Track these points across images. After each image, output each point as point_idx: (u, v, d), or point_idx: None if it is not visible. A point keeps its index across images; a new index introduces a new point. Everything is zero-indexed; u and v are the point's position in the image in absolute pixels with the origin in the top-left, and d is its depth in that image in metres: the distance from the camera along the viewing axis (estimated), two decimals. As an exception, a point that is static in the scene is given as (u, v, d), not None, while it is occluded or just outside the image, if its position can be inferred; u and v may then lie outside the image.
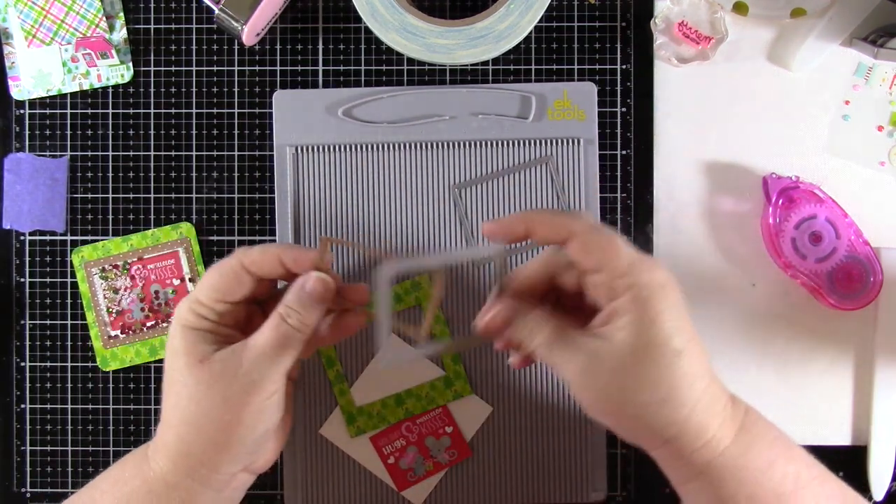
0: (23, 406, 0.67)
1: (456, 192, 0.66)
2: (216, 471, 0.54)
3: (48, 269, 0.67)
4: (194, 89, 0.67)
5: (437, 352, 0.64)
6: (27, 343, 0.67)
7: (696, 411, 0.49)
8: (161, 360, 0.67)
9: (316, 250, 0.55)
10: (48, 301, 0.67)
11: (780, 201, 0.64)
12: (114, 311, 0.66)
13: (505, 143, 0.66)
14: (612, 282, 0.49)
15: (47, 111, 0.67)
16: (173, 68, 0.67)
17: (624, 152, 0.67)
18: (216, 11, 0.63)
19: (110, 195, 0.67)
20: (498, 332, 0.53)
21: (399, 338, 0.66)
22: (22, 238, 0.67)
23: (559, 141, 0.66)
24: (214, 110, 0.67)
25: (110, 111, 0.67)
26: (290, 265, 0.55)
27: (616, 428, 0.52)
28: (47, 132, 0.67)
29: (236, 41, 0.67)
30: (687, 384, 0.49)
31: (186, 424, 0.53)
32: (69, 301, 0.67)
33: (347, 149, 0.66)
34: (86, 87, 0.67)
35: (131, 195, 0.67)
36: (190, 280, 0.66)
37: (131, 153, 0.67)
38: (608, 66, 0.67)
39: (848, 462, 0.66)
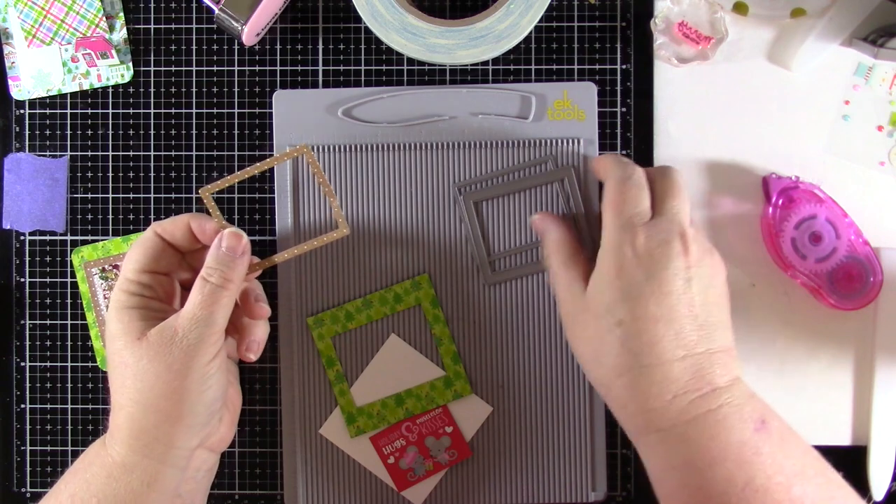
0: (23, 406, 0.67)
1: (456, 190, 0.66)
2: (172, 445, 0.54)
3: (48, 269, 0.67)
4: (194, 89, 0.67)
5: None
6: (27, 343, 0.67)
7: (617, 385, 0.55)
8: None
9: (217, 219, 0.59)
10: (48, 301, 0.67)
11: (780, 201, 0.64)
12: (114, 311, 0.66)
13: (505, 143, 0.66)
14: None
15: (47, 111, 0.67)
16: (173, 68, 0.67)
17: (624, 152, 0.67)
18: (216, 11, 0.63)
19: (110, 195, 0.67)
20: (537, 231, 0.64)
21: None
22: (22, 238, 0.67)
23: (559, 141, 0.66)
24: (214, 110, 0.67)
25: (110, 111, 0.67)
26: (197, 232, 0.58)
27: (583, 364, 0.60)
28: (47, 132, 0.67)
29: (236, 41, 0.67)
30: (614, 352, 0.54)
31: (135, 403, 0.54)
32: (69, 301, 0.67)
33: (347, 149, 0.66)
34: (86, 87, 0.67)
35: (131, 195, 0.67)
36: (190, 280, 0.66)
37: (131, 153, 0.67)
38: (608, 66, 0.67)
39: (848, 462, 0.65)
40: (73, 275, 0.67)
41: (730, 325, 0.56)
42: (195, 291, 0.56)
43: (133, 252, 0.58)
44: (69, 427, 0.67)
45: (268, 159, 0.60)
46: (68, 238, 0.67)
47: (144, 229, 0.67)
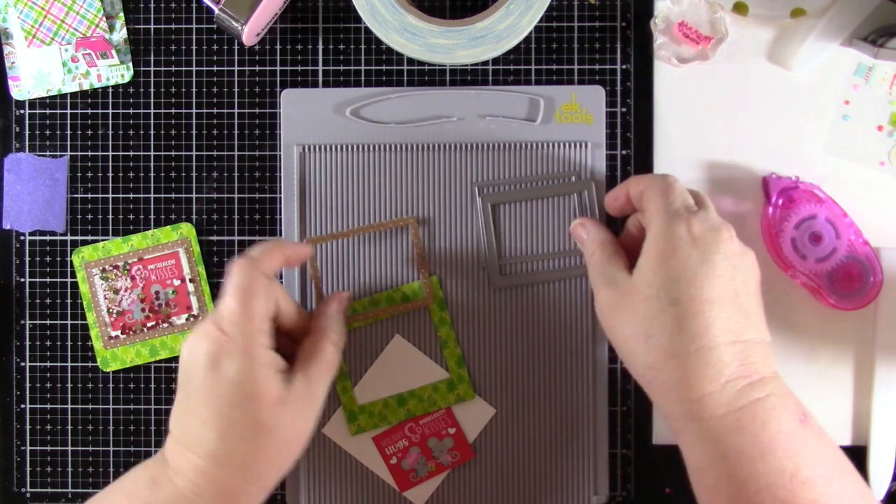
0: (23, 406, 0.67)
1: (475, 189, 0.66)
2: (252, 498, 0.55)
3: (48, 269, 0.67)
4: (194, 89, 0.67)
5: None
6: (27, 343, 0.67)
7: (671, 366, 0.54)
8: (161, 361, 0.67)
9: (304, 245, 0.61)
10: (48, 301, 0.67)
11: (780, 201, 0.64)
12: (114, 311, 0.66)
13: (513, 145, 0.66)
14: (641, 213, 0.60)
15: (47, 111, 0.67)
16: (173, 68, 0.67)
17: (624, 152, 0.67)
18: (216, 11, 0.63)
19: (110, 195, 0.67)
20: (576, 238, 0.64)
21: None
22: (22, 238, 0.67)
23: (567, 144, 0.66)
24: (214, 110, 0.67)
25: (110, 111, 0.67)
26: (292, 263, 0.61)
27: (619, 353, 0.59)
28: (47, 132, 0.67)
29: (236, 41, 0.67)
30: (669, 333, 0.54)
31: (249, 468, 0.54)
32: (69, 301, 0.67)
33: (354, 149, 0.66)
34: (86, 87, 0.67)
35: (131, 195, 0.67)
36: (190, 280, 0.66)
37: (131, 153, 0.67)
38: (608, 66, 0.67)
39: (848, 462, 0.66)
40: (73, 275, 0.67)
41: (765, 322, 0.56)
42: (323, 354, 0.58)
43: (258, 304, 0.55)
44: (69, 427, 0.67)
45: (378, 223, 0.65)
46: (68, 238, 0.67)
47: (144, 229, 0.67)
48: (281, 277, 0.66)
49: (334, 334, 0.59)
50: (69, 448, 0.67)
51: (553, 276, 0.65)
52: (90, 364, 0.67)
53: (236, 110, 0.67)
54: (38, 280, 0.67)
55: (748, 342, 0.53)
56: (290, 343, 0.60)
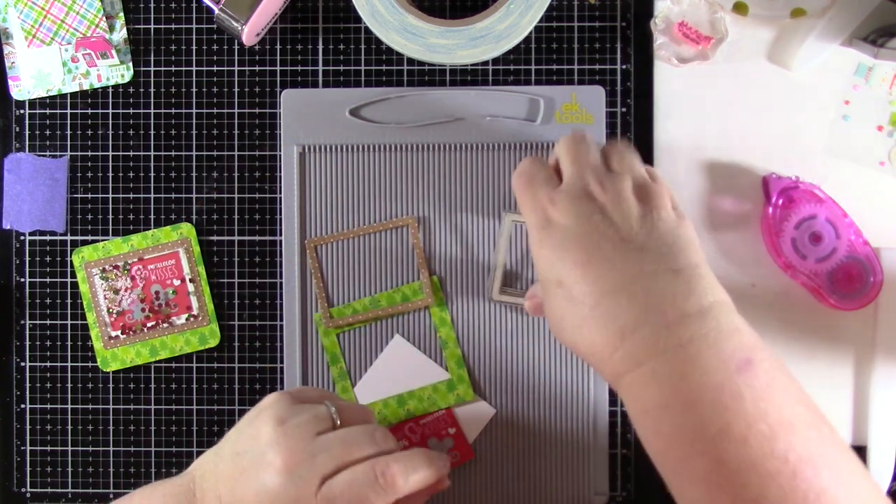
0: (23, 406, 0.67)
1: (502, 205, 0.66)
2: None
3: (48, 269, 0.67)
4: (194, 89, 0.67)
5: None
6: (27, 343, 0.67)
7: (581, 334, 0.50)
8: (161, 361, 0.67)
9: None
10: (48, 301, 0.67)
11: (780, 201, 0.64)
12: (114, 311, 0.66)
13: (513, 145, 0.66)
14: None
15: (47, 111, 0.67)
16: (173, 68, 0.67)
17: (624, 152, 0.67)
18: (216, 11, 0.63)
19: (110, 195, 0.67)
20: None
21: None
22: (22, 238, 0.67)
23: (566, 144, 0.66)
24: (214, 110, 0.67)
25: (110, 111, 0.67)
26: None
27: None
28: (47, 132, 0.67)
29: (236, 41, 0.67)
30: (571, 310, 0.51)
31: None
32: (69, 301, 0.67)
33: (355, 149, 0.66)
34: (86, 87, 0.67)
35: (131, 195, 0.67)
36: (190, 280, 0.66)
37: (131, 153, 0.67)
38: (608, 67, 0.67)
39: (848, 462, 0.66)
40: (73, 275, 0.67)
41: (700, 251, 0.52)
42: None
43: (361, 453, 0.53)
44: (69, 427, 0.67)
45: (378, 223, 0.65)
46: (68, 238, 0.67)
47: (144, 229, 0.67)
48: (281, 276, 0.66)
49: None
50: (69, 448, 0.67)
51: None
52: (90, 364, 0.67)
53: (236, 110, 0.67)
54: (38, 280, 0.67)
55: (661, 273, 0.49)
56: None
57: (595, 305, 0.49)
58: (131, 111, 0.67)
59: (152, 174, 0.67)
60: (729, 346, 0.47)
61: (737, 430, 0.45)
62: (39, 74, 0.67)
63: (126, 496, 0.56)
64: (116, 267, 0.67)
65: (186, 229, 0.67)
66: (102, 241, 0.67)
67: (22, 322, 0.67)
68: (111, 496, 0.67)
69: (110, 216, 0.67)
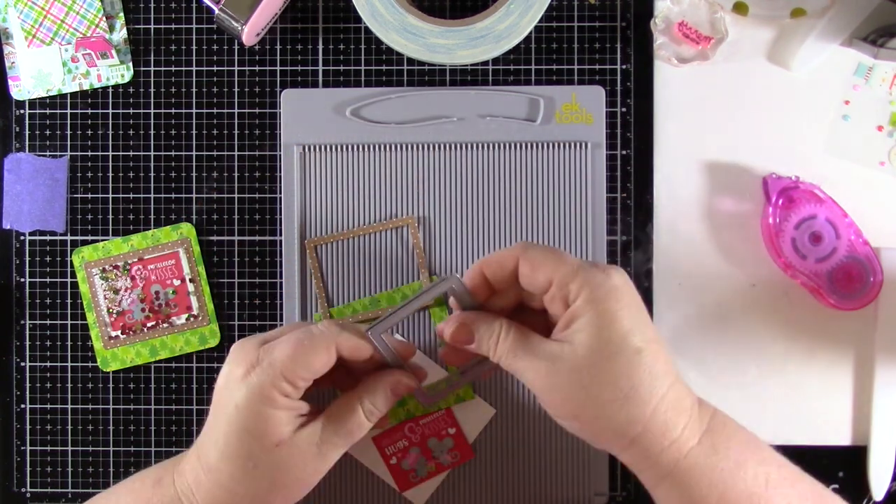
0: (23, 406, 0.67)
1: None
2: None
3: (48, 269, 0.67)
4: (194, 89, 0.67)
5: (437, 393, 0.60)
6: (27, 343, 0.67)
7: (661, 409, 0.50)
8: (161, 361, 0.67)
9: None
10: (48, 301, 0.67)
11: (780, 201, 0.64)
12: (114, 311, 0.66)
13: (512, 145, 0.66)
14: (564, 288, 0.51)
15: (47, 111, 0.67)
16: (173, 68, 0.67)
17: (624, 152, 0.67)
18: (216, 11, 0.63)
19: (110, 195, 0.67)
20: (464, 341, 0.55)
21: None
22: (22, 238, 0.67)
23: (567, 144, 0.66)
24: (214, 110, 0.67)
25: (110, 111, 0.67)
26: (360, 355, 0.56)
27: (582, 431, 0.52)
28: (47, 132, 0.67)
29: (236, 41, 0.67)
30: (648, 381, 0.49)
31: (239, 496, 0.53)
32: (69, 301, 0.67)
33: (354, 149, 0.66)
34: (86, 87, 0.67)
35: (131, 195, 0.67)
36: (190, 280, 0.66)
37: (131, 153, 0.67)
38: (608, 67, 0.67)
39: (848, 462, 0.66)
40: (73, 275, 0.67)
41: None
42: (351, 413, 0.55)
43: (306, 357, 0.53)
44: (69, 427, 0.67)
45: (378, 223, 0.65)
46: (68, 238, 0.67)
47: (144, 229, 0.67)
48: (281, 276, 0.66)
49: (371, 404, 0.56)
50: (69, 448, 0.67)
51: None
52: (90, 364, 0.67)
53: (236, 110, 0.67)
54: (38, 280, 0.67)
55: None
56: (353, 381, 0.58)
57: (676, 383, 0.51)
58: (131, 111, 0.67)
59: (152, 174, 0.67)
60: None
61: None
62: (39, 74, 0.67)
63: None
64: (116, 267, 0.67)
65: (186, 229, 0.67)
66: (102, 241, 0.67)
67: (22, 322, 0.67)
68: (111, 496, 0.67)
69: (110, 216, 0.67)
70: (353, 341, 0.54)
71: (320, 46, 0.67)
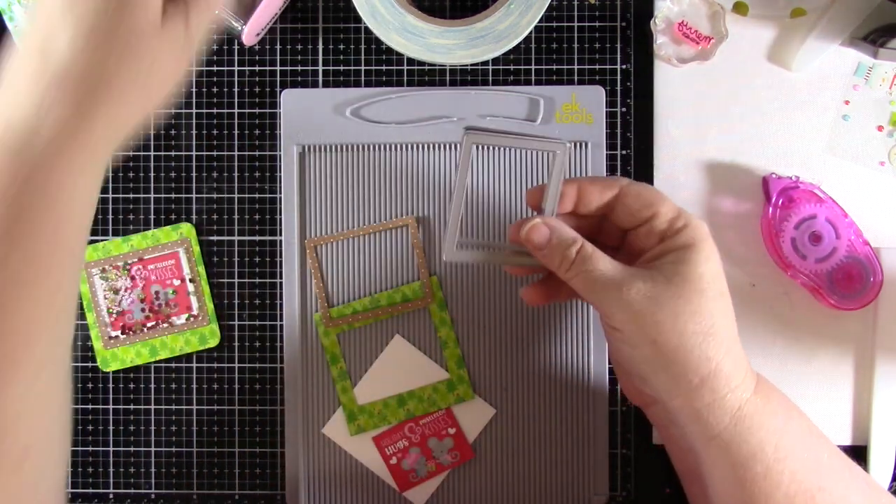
0: (23, 406, 0.67)
1: (463, 129, 0.61)
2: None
3: (48, 270, 0.67)
4: (194, 89, 0.67)
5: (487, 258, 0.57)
6: (27, 343, 0.67)
7: (732, 352, 0.52)
8: (161, 361, 0.67)
9: None
10: (48, 301, 0.67)
11: (780, 201, 0.64)
12: (114, 311, 0.66)
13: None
14: (666, 222, 0.54)
15: (47, 111, 0.67)
16: (173, 68, 0.67)
17: (624, 152, 0.67)
18: (216, 11, 0.63)
19: (110, 195, 0.67)
20: (545, 246, 0.55)
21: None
22: (22, 238, 0.67)
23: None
24: (214, 110, 0.67)
25: (110, 111, 0.67)
26: None
27: (647, 361, 0.53)
28: (47, 132, 0.67)
29: (236, 41, 0.67)
30: (727, 323, 0.52)
31: (103, 86, 0.46)
32: (69, 301, 0.67)
33: (354, 149, 0.66)
34: (86, 87, 0.67)
35: (131, 195, 0.67)
36: (190, 280, 0.66)
37: (131, 153, 0.67)
38: (608, 67, 0.67)
39: (848, 462, 0.66)
40: (73, 275, 0.67)
41: None
42: None
43: None
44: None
45: (378, 223, 0.64)
46: (68, 238, 0.67)
47: (144, 229, 0.67)
48: (281, 276, 0.66)
49: None
50: (69, 448, 0.67)
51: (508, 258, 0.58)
52: (90, 364, 0.67)
53: (236, 110, 0.67)
54: (37, 280, 0.67)
55: None
56: None
57: (736, 337, 0.54)
58: (131, 111, 0.67)
59: (152, 174, 0.67)
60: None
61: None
62: (39, 74, 0.66)
63: None
64: (116, 267, 0.67)
65: (186, 229, 0.67)
66: (102, 241, 0.67)
67: (22, 322, 0.67)
68: (111, 496, 0.67)
69: (110, 216, 0.67)
70: None
71: (320, 46, 0.67)
